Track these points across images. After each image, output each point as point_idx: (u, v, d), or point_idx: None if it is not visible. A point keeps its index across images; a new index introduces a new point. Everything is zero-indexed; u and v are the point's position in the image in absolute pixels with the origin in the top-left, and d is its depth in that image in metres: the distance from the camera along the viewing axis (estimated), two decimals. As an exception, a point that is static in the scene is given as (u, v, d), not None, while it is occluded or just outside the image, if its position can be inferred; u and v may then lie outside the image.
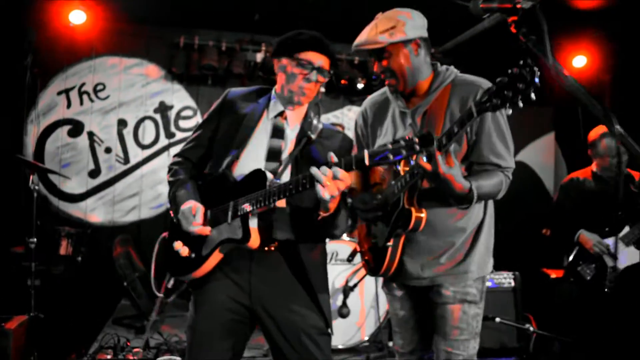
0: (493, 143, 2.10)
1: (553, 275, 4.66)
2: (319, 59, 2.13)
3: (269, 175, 2.02)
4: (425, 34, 2.15)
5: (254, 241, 2.02)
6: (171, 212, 2.24)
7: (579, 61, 5.59)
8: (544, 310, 4.35)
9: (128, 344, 3.91)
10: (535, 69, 1.60)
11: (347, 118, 6.38)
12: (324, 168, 1.83)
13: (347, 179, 1.85)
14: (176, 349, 3.93)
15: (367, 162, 1.74)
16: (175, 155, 2.33)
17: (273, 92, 2.25)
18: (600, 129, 3.74)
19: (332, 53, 2.17)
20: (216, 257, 2.08)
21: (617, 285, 3.59)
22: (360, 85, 6.04)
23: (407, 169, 1.99)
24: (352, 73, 6.04)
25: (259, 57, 5.84)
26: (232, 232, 2.03)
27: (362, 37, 2.13)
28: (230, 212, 2.04)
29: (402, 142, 1.70)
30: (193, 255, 2.11)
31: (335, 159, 1.84)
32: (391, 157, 1.70)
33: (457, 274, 2.17)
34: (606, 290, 3.59)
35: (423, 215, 2.04)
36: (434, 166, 1.83)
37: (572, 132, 6.10)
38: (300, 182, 1.89)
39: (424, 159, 1.82)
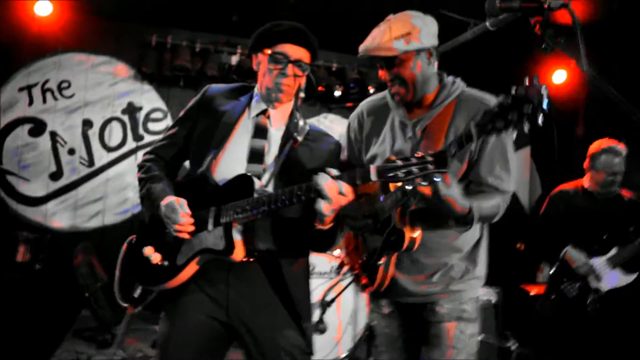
0: (493, 164, 2.02)
1: (533, 292, 4.60)
2: (296, 52, 1.98)
3: (257, 182, 1.86)
4: (437, 42, 2.04)
5: (238, 254, 1.86)
6: (145, 209, 2.05)
7: (559, 76, 5.57)
8: (523, 327, 4.29)
9: (89, 360, 3.69)
10: (544, 90, 1.48)
11: (323, 126, 6.25)
12: (327, 178, 1.69)
13: (350, 194, 1.72)
14: (141, 365, 3.73)
15: (373, 178, 1.61)
16: (146, 153, 2.14)
17: (255, 90, 2.10)
18: (604, 142, 3.66)
19: (312, 44, 2.02)
20: (192, 268, 1.91)
21: (601, 308, 3.53)
22: (337, 93, 5.97)
23: (399, 185, 1.86)
24: (330, 80, 5.96)
25: (234, 59, 5.71)
26: (213, 242, 1.87)
27: (373, 41, 1.98)
28: (212, 220, 1.88)
29: (414, 160, 1.56)
30: (166, 263, 1.93)
31: (334, 172, 1.71)
32: (401, 175, 1.57)
33: (451, 292, 2.09)
34: (589, 310, 3.52)
35: (416, 235, 1.94)
36: (433, 188, 1.72)
37: (547, 147, 6.11)
38: (295, 193, 1.74)
39: (422, 180, 1.68)
